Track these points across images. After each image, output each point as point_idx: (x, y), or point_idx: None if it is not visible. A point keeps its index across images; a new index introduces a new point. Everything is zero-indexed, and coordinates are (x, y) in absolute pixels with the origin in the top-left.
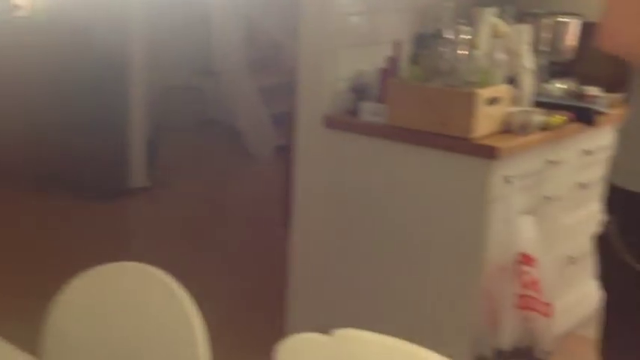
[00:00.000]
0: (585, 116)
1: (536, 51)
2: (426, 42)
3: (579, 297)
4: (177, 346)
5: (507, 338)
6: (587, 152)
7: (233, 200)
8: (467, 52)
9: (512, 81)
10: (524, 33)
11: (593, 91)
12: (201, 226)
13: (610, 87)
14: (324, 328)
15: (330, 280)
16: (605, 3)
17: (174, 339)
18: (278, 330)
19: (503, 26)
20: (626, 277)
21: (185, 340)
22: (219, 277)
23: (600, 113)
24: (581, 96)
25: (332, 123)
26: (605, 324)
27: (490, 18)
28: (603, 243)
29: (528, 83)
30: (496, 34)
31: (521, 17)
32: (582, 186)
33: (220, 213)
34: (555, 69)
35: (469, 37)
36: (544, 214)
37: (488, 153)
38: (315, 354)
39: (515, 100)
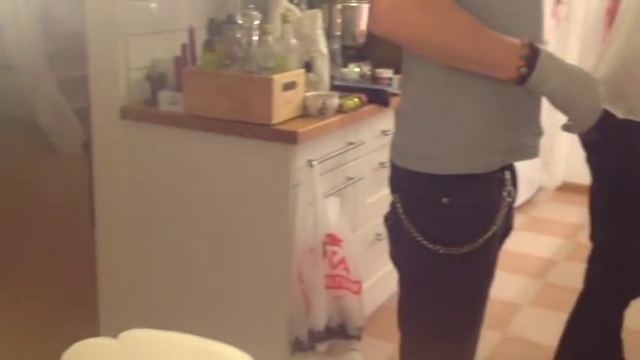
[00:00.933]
0: (380, 98)
1: (330, 35)
2: (219, 28)
3: (389, 272)
4: None
5: (320, 319)
6: (385, 132)
7: (38, 202)
8: (261, 38)
9: (307, 66)
10: (317, 18)
11: (386, 73)
12: (4, 231)
13: (400, 69)
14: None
15: (142, 278)
16: None
17: None
18: (92, 336)
19: (296, 11)
20: (415, 253)
21: None
22: (26, 283)
23: (394, 94)
24: (375, 78)
25: (129, 114)
26: (401, 299)
27: (283, 3)
28: (392, 222)
29: (324, 67)
30: (289, 20)
31: (313, 2)
32: (383, 165)
33: (25, 216)
34: (350, 53)
35: (262, 22)
36: (348, 194)
37: (288, 138)
38: (100, 359)
39: (312, 85)
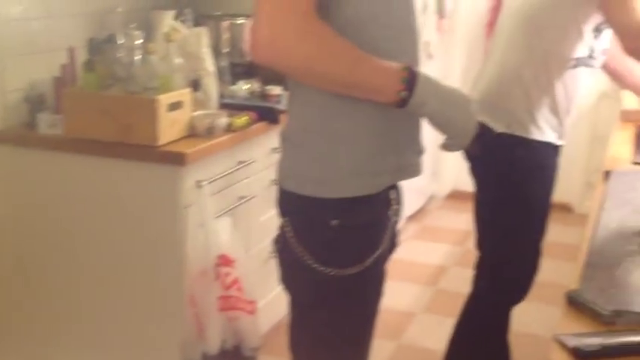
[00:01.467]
0: (270, 115)
1: (218, 53)
2: (100, 48)
3: None
4: None
5: (214, 342)
6: (276, 150)
7: None
8: (144, 58)
9: (195, 84)
10: (202, 36)
11: (275, 90)
12: None
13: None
14: None
15: (25, 309)
16: (254, 13)
17: None
18: None
19: (181, 29)
20: (306, 276)
21: None
22: None
23: (283, 112)
24: (265, 95)
25: (6, 139)
26: (292, 322)
27: (168, 22)
28: (282, 245)
29: (211, 86)
30: (174, 38)
31: (199, 20)
32: (275, 182)
33: None
34: (238, 70)
35: (146, 42)
36: (241, 213)
37: (176, 159)
38: None
39: (200, 104)
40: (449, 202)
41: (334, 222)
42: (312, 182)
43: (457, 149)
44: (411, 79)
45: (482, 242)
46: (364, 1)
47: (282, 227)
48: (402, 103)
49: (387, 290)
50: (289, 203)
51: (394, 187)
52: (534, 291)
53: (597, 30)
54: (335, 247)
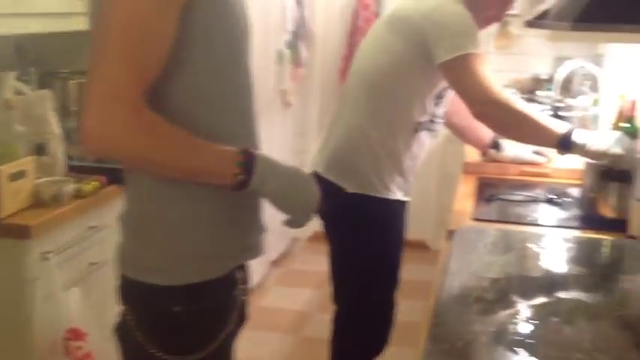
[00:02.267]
0: (121, 178)
1: (65, 113)
2: None
3: None
4: None
5: None
6: None
7: None
8: None
9: (40, 149)
10: (47, 98)
11: None
12: None
13: None
14: None
15: None
16: (84, 105)
17: None
18: None
19: (25, 90)
20: None
21: None
22: None
23: None
24: None
25: None
26: None
27: (10, 83)
28: (123, 334)
29: (58, 150)
30: (16, 104)
31: (45, 79)
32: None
33: None
34: None
35: None
36: (93, 281)
37: (18, 233)
38: None
39: (46, 169)
40: (312, 244)
41: (177, 308)
42: (151, 270)
43: (298, 226)
44: (247, 162)
45: (338, 297)
46: (195, 87)
47: (123, 314)
48: (240, 186)
49: (248, 341)
50: (130, 290)
51: (241, 266)
52: (393, 332)
53: (438, 97)
54: (179, 333)
